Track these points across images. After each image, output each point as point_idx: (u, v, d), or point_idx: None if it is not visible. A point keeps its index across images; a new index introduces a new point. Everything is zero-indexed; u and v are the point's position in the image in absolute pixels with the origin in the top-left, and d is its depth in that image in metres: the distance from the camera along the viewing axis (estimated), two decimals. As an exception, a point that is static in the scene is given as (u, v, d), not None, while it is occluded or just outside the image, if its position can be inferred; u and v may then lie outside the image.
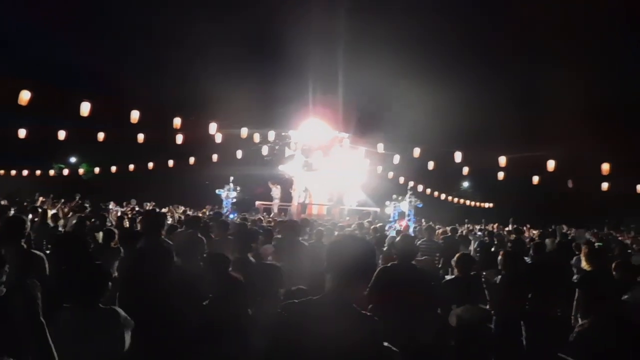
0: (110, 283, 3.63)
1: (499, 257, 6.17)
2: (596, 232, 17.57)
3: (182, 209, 21.56)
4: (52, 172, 35.17)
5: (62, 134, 22.16)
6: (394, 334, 3.51)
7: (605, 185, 23.18)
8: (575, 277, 6.76)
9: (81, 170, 38.01)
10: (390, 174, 28.82)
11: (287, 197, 25.28)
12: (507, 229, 19.02)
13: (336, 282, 2.41)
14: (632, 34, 32.65)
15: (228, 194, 24.14)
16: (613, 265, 5.97)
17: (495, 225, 19.86)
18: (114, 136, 23.60)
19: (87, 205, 15.02)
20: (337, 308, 2.34)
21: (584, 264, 6.59)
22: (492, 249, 8.86)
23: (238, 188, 24.72)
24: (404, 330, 3.92)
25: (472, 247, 10.85)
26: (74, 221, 8.66)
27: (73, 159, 42.37)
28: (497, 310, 5.81)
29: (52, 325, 3.13)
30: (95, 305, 3.44)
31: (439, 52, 35.66)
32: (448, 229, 12.30)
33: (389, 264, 5.15)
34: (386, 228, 15.94)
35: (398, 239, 5.47)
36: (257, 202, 24.66)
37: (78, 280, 3.54)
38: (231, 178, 24.48)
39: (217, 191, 24.49)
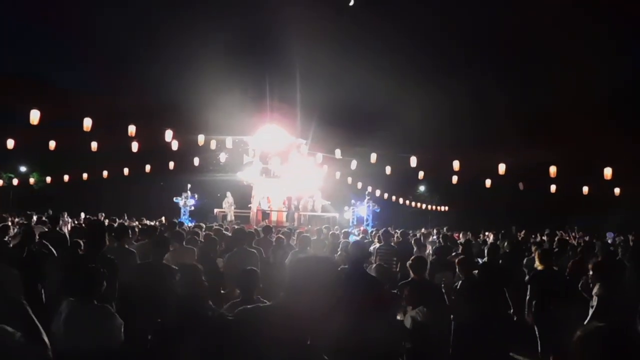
0: (105, 283, 4.03)
1: (457, 265, 6.31)
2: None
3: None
4: (0, 182, 33.97)
5: (10, 143, 21.42)
6: (346, 338, 3.64)
7: (553, 188, 24.10)
8: (527, 277, 7.04)
9: (32, 180, 36.81)
10: (349, 180, 29.11)
11: (244, 203, 25.18)
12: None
13: (293, 295, 2.43)
14: (580, 42, 34.05)
15: (186, 202, 23.90)
16: (590, 266, 6.00)
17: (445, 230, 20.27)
18: (66, 144, 22.98)
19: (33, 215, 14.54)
20: (286, 315, 2.35)
21: (537, 264, 6.86)
22: (446, 253, 9.08)
23: (196, 196, 24.50)
24: (356, 334, 4.03)
25: (428, 251, 11.09)
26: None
27: (23, 168, 40.98)
28: (456, 314, 5.94)
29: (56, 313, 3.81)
30: (89, 302, 3.87)
31: (395, 60, 36.31)
32: (398, 232, 12.49)
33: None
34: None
35: (350, 245, 5.56)
36: (216, 210, 24.44)
37: (75, 279, 4.02)
38: (188, 185, 24.25)
39: (174, 199, 24.20)
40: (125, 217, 19.84)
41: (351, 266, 5.06)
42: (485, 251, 8.16)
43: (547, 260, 6.75)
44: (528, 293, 6.54)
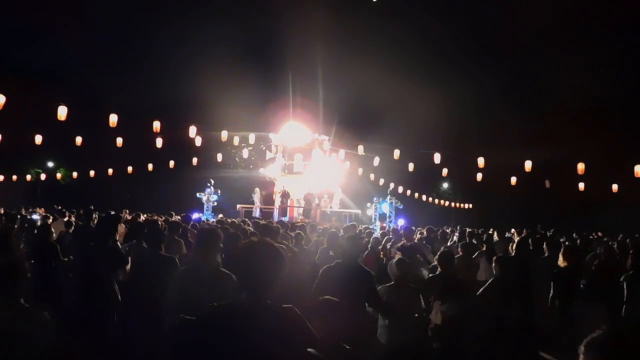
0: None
1: (493, 264, 6.14)
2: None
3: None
4: (29, 177, 34.62)
5: (38, 139, 21.79)
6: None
7: (581, 185, 23.60)
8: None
9: (59, 175, 37.48)
10: (372, 176, 28.96)
11: (268, 200, 25.23)
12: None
13: (248, 288, 2.38)
14: (612, 39, 33.38)
15: (209, 197, 24.00)
16: None
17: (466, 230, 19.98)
18: (92, 140, 23.30)
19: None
20: (253, 307, 2.33)
21: (560, 261, 6.73)
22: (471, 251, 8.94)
23: (219, 191, 24.62)
24: (349, 326, 4.02)
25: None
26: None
27: (50, 164, 41.74)
28: (487, 311, 5.79)
29: None
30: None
31: (419, 56, 36.00)
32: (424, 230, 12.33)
33: (332, 263, 5.19)
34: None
35: (345, 239, 5.49)
36: (238, 206, 24.54)
37: None
38: (211, 181, 24.36)
39: (197, 195, 24.32)
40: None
41: (345, 260, 5.04)
42: (513, 247, 7.99)
43: (571, 257, 6.61)
44: (552, 290, 6.44)
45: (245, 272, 2.42)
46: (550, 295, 6.42)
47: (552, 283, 6.48)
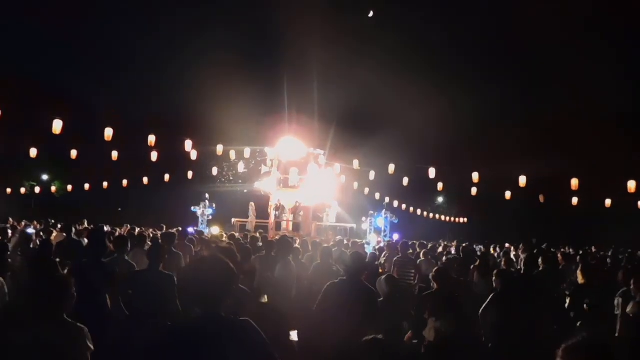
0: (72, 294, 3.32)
1: (494, 278, 6.13)
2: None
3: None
4: (23, 190, 34.46)
5: (33, 152, 21.75)
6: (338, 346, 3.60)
7: (575, 200, 23.70)
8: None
9: (54, 188, 37.35)
10: (366, 190, 29.01)
11: (263, 214, 25.19)
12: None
13: (201, 303, 2.42)
14: (600, 53, 33.70)
15: (204, 211, 23.96)
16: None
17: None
18: (87, 154, 23.25)
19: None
20: (207, 321, 2.36)
21: (580, 279, 6.82)
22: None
23: (214, 205, 24.58)
24: (346, 343, 4.01)
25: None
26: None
27: (45, 177, 41.59)
28: (486, 327, 5.75)
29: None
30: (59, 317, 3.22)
31: (413, 71, 36.24)
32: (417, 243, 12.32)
33: (337, 280, 5.14)
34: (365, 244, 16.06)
35: (348, 256, 5.44)
36: (233, 219, 24.48)
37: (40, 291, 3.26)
38: (206, 195, 24.34)
39: (192, 208, 24.28)
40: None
41: (349, 278, 4.99)
42: (522, 262, 8.01)
43: (590, 274, 6.73)
44: (568, 305, 6.60)
45: (197, 286, 2.43)
46: (566, 307, 6.57)
47: (569, 299, 6.65)
